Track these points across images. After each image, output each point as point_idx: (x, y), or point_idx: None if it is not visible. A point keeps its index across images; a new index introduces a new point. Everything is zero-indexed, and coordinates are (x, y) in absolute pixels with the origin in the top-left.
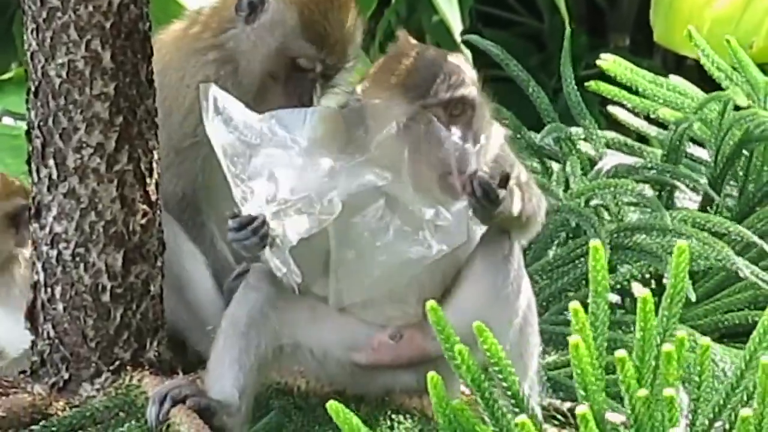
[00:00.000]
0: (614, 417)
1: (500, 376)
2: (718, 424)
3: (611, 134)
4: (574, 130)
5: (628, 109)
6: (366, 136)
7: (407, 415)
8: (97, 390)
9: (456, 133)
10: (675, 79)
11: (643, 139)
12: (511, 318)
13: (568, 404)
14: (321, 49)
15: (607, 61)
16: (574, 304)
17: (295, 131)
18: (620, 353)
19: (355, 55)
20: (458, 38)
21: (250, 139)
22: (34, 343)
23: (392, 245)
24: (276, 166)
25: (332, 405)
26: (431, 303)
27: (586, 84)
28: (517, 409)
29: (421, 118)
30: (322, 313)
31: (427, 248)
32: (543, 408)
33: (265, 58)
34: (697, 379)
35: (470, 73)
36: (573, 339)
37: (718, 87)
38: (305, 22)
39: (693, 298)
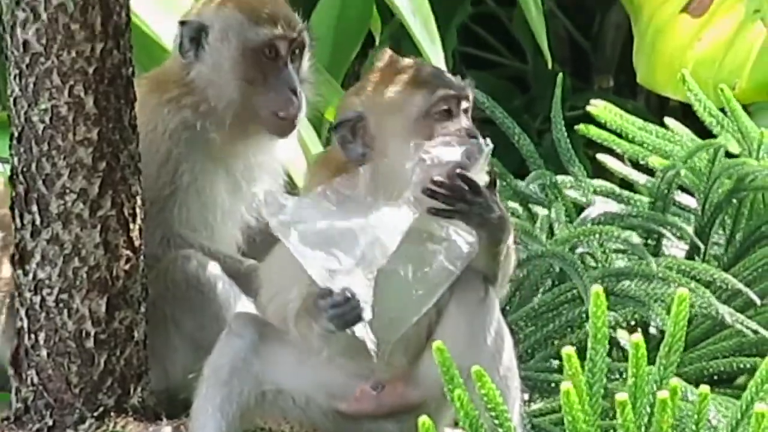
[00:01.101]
0: None
1: (496, 421)
2: None
3: (599, 182)
4: (560, 177)
5: (615, 154)
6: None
7: None
8: None
9: (466, 125)
10: (668, 122)
11: (629, 185)
12: (491, 362)
13: None
14: (275, 24)
15: (597, 106)
16: (568, 350)
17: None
18: (621, 396)
19: (303, 28)
20: None
21: (313, 217)
22: (18, 390)
23: (423, 277)
24: (337, 235)
25: None
26: (438, 343)
27: (575, 127)
28: None
29: (437, 110)
30: (304, 360)
31: (445, 270)
32: None
33: (235, 69)
34: (693, 427)
35: None
36: (564, 385)
37: (703, 128)
38: (248, 11)
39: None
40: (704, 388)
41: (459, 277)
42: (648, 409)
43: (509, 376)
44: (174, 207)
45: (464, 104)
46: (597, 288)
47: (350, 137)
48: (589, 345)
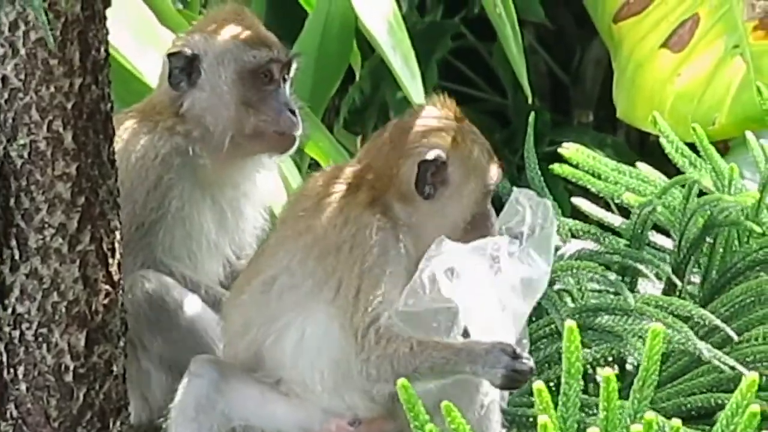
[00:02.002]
0: None
1: None
2: None
3: (574, 222)
4: None
5: (592, 194)
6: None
7: None
8: None
9: None
10: (640, 166)
11: (606, 227)
12: (474, 392)
13: None
14: (270, 48)
15: (569, 149)
16: (538, 384)
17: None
18: (593, 431)
19: (292, 52)
20: None
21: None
22: None
23: None
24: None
25: None
26: (402, 381)
27: (549, 167)
28: None
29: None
30: (272, 397)
31: None
32: None
33: (233, 92)
34: None
35: None
36: (542, 419)
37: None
38: (242, 37)
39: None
40: (676, 422)
41: None
42: None
43: (491, 408)
44: (159, 233)
45: None
46: (570, 323)
47: (429, 177)
48: (563, 379)
